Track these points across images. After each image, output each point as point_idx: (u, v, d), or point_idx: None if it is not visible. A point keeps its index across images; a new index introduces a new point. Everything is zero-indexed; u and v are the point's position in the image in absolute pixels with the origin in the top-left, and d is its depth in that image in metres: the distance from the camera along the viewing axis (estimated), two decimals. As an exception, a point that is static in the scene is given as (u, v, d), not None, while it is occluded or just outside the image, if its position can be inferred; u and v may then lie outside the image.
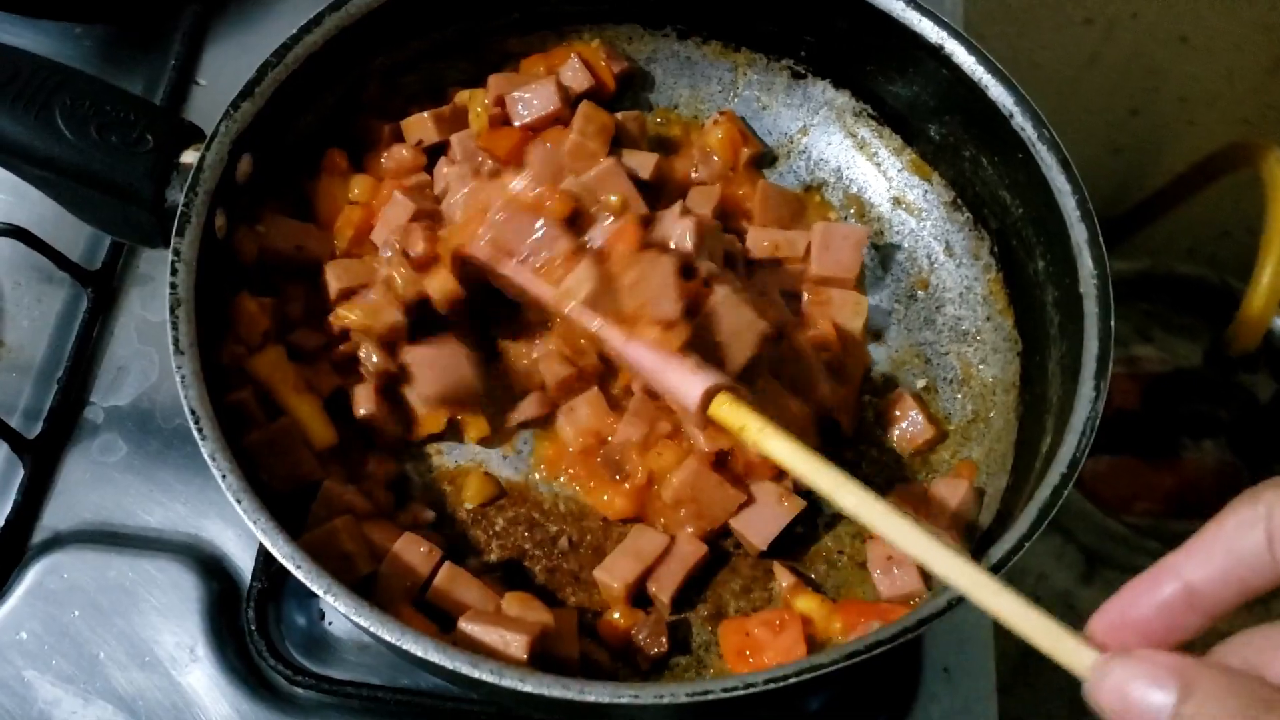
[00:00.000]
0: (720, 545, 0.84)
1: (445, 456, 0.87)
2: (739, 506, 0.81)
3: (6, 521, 0.89)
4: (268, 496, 0.71)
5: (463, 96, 0.93)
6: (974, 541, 0.81)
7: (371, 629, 0.66)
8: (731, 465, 0.82)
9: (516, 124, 0.91)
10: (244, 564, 0.89)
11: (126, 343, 0.97)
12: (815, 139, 0.98)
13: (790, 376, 0.85)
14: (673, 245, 0.82)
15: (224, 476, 0.69)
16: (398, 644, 0.65)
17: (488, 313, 0.88)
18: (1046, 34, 1.81)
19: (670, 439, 0.84)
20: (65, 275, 0.97)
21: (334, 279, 0.85)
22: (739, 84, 0.99)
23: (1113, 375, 0.74)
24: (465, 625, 0.72)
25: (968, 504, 0.82)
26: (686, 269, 0.80)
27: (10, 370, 0.96)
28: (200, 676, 0.84)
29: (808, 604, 0.79)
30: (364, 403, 0.83)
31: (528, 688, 0.64)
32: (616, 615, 0.80)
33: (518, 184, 0.83)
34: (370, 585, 0.77)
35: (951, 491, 0.82)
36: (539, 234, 0.80)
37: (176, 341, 0.73)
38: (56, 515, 0.90)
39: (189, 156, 0.79)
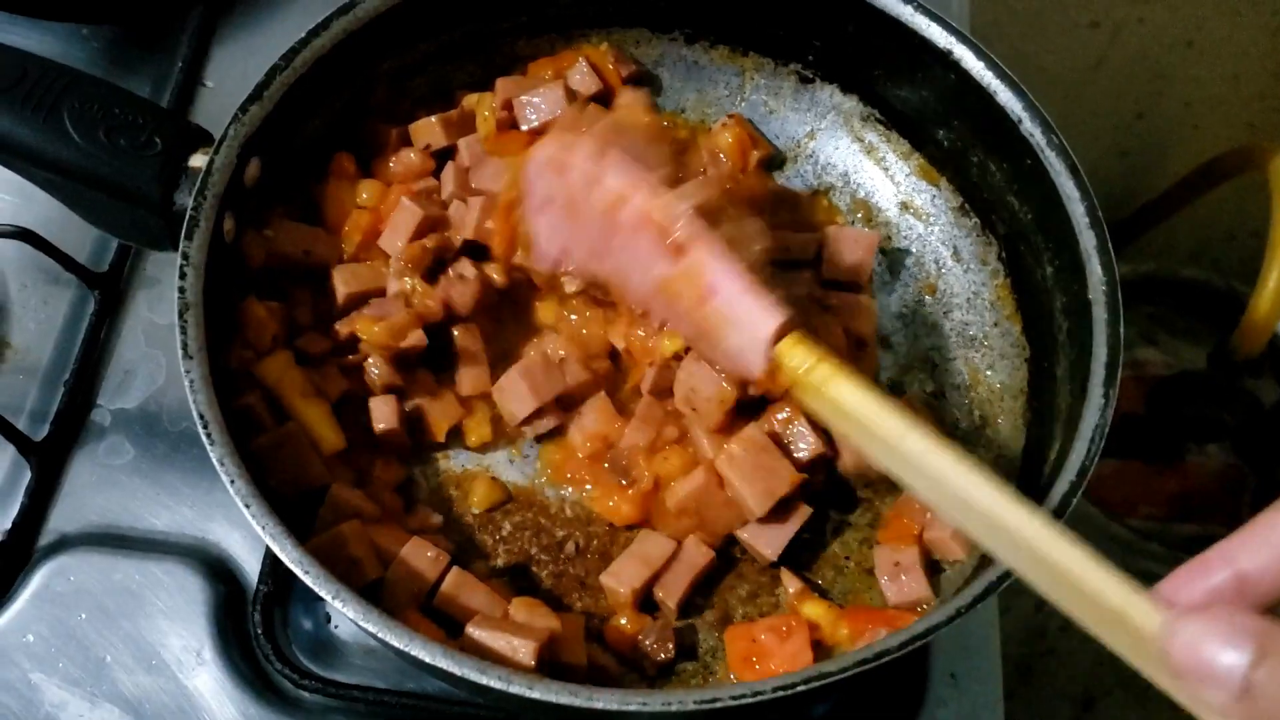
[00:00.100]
0: (728, 551, 0.83)
1: (452, 461, 0.87)
2: (743, 520, 0.81)
3: (13, 524, 0.89)
4: (275, 501, 0.71)
5: (470, 100, 0.93)
6: (981, 549, 0.81)
7: (380, 635, 0.66)
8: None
9: (524, 128, 0.91)
10: (250, 567, 0.89)
11: (133, 345, 0.97)
12: (823, 143, 0.98)
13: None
14: None
15: (232, 481, 0.69)
16: (406, 650, 0.65)
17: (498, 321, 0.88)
18: (1052, 38, 1.81)
19: (677, 444, 0.84)
20: (72, 277, 0.97)
21: (342, 284, 0.85)
22: (746, 88, 0.99)
23: (1117, 380, 0.74)
24: (473, 631, 0.72)
25: (975, 510, 0.81)
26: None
27: (17, 372, 0.96)
28: (206, 680, 0.84)
29: (815, 610, 0.79)
30: (384, 418, 0.83)
31: (535, 694, 0.64)
32: (623, 621, 0.80)
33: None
34: (377, 590, 0.77)
35: (959, 497, 0.82)
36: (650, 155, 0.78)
37: (185, 346, 0.73)
38: (63, 518, 0.90)
39: (197, 160, 0.79)
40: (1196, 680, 0.46)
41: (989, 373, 0.89)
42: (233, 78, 1.09)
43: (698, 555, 0.81)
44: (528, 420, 0.86)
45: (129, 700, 0.84)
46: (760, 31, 0.96)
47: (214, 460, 0.70)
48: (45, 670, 0.84)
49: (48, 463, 0.91)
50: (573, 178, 0.75)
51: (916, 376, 0.91)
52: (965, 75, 0.84)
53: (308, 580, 0.67)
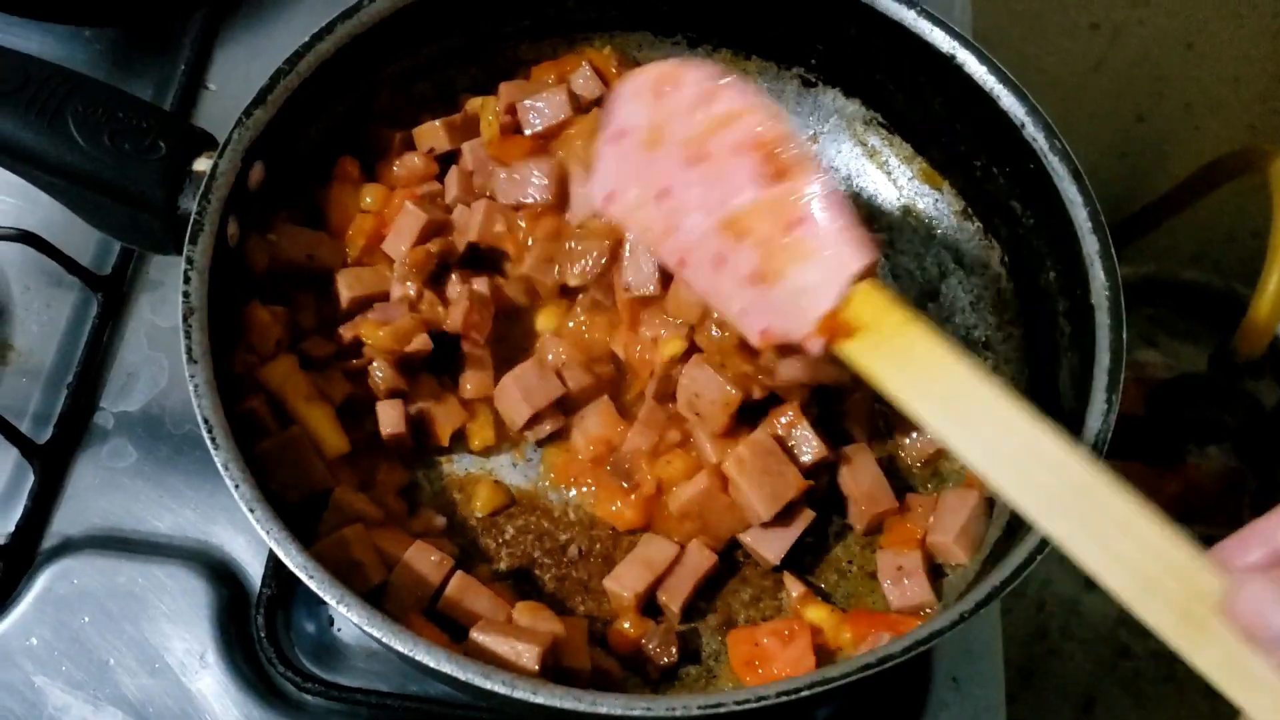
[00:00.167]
0: (730, 555, 0.84)
1: (455, 464, 0.87)
2: (746, 524, 0.81)
3: (17, 527, 0.89)
4: (278, 505, 0.71)
5: (474, 104, 0.93)
6: (984, 552, 0.81)
7: (384, 640, 0.66)
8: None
9: (528, 132, 0.91)
10: (253, 570, 0.89)
11: (136, 348, 0.97)
12: (825, 147, 0.98)
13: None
14: None
15: (237, 486, 0.69)
16: (410, 655, 0.65)
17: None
18: (1053, 39, 1.81)
19: (680, 448, 0.84)
20: (75, 280, 0.97)
21: (345, 288, 0.85)
22: (749, 92, 0.99)
23: (1118, 382, 0.74)
24: (477, 635, 0.73)
25: (978, 514, 0.82)
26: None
27: (20, 375, 0.96)
28: (210, 683, 0.85)
29: (818, 614, 0.79)
30: (391, 422, 0.83)
31: (540, 699, 0.64)
32: (626, 625, 0.80)
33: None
34: (381, 594, 0.77)
35: (961, 501, 0.82)
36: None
37: (190, 350, 0.73)
38: (66, 521, 0.90)
39: (201, 164, 0.79)
40: (1260, 640, 0.46)
41: (991, 377, 0.89)
42: (235, 80, 1.09)
43: (700, 559, 0.81)
44: (528, 425, 0.86)
45: (132, 703, 0.84)
46: (763, 35, 0.96)
47: (218, 465, 0.70)
48: (48, 673, 0.85)
49: (51, 466, 0.91)
50: (682, 95, 0.75)
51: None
52: (968, 80, 0.84)
53: (312, 585, 0.67)
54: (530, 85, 0.94)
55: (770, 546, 0.81)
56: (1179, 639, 0.51)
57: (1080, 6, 1.78)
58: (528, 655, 0.71)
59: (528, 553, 0.84)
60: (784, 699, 0.64)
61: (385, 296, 0.86)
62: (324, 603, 0.70)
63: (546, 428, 0.86)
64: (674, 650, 0.79)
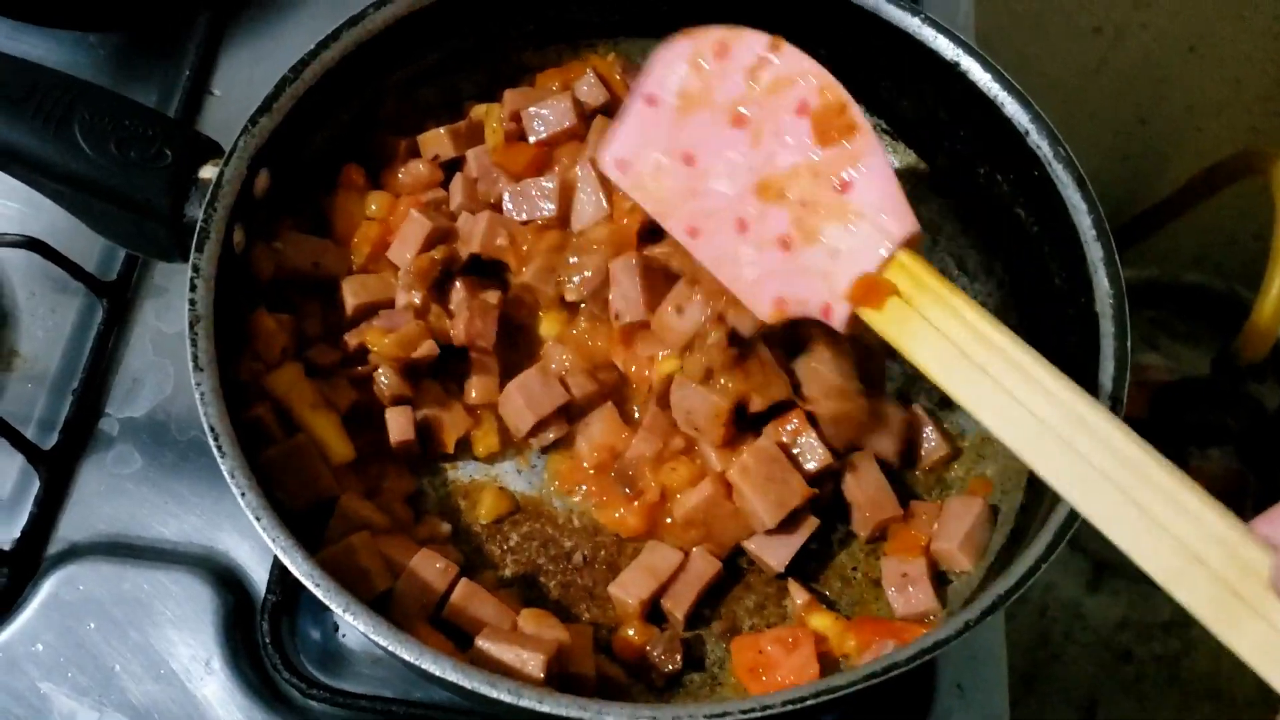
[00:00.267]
0: (735, 562, 0.84)
1: (460, 471, 0.87)
2: (751, 531, 0.81)
3: (22, 533, 0.89)
4: (284, 512, 0.71)
5: (479, 111, 0.94)
6: (988, 559, 0.81)
7: (390, 648, 0.66)
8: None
9: (532, 139, 0.91)
10: (258, 576, 0.89)
11: (141, 354, 0.97)
12: (829, 153, 0.98)
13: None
14: None
15: (243, 494, 0.69)
16: (416, 663, 0.65)
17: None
18: (1055, 42, 1.81)
19: (684, 455, 0.84)
20: (80, 286, 0.97)
21: (351, 295, 0.85)
22: (753, 98, 0.99)
23: (1121, 385, 0.74)
24: (482, 643, 0.73)
25: (982, 521, 0.82)
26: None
27: (25, 380, 0.96)
28: (215, 689, 0.85)
29: (822, 622, 0.79)
30: (400, 430, 0.83)
31: (545, 708, 0.65)
32: (631, 632, 0.80)
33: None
34: (387, 601, 0.77)
35: (966, 508, 0.82)
36: None
37: (196, 358, 0.73)
38: (72, 527, 0.90)
39: (207, 172, 0.79)
40: None
41: (995, 383, 0.89)
42: (240, 86, 1.09)
43: (705, 566, 0.81)
44: (533, 432, 0.86)
45: (138, 709, 0.84)
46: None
47: (225, 473, 0.70)
48: (54, 680, 0.85)
49: (56, 472, 0.91)
50: (734, 60, 0.76)
51: (923, 387, 0.91)
52: (972, 87, 0.85)
53: (319, 593, 0.67)
54: (535, 92, 0.94)
55: (775, 554, 0.81)
56: (1218, 619, 0.50)
57: (1082, 9, 1.78)
58: (533, 663, 0.71)
59: (532, 559, 0.84)
60: (789, 708, 0.64)
61: (390, 304, 0.86)
62: (329, 609, 0.71)
63: (550, 435, 0.86)
64: (678, 657, 0.79)
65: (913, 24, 0.86)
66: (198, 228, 0.76)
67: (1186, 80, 1.85)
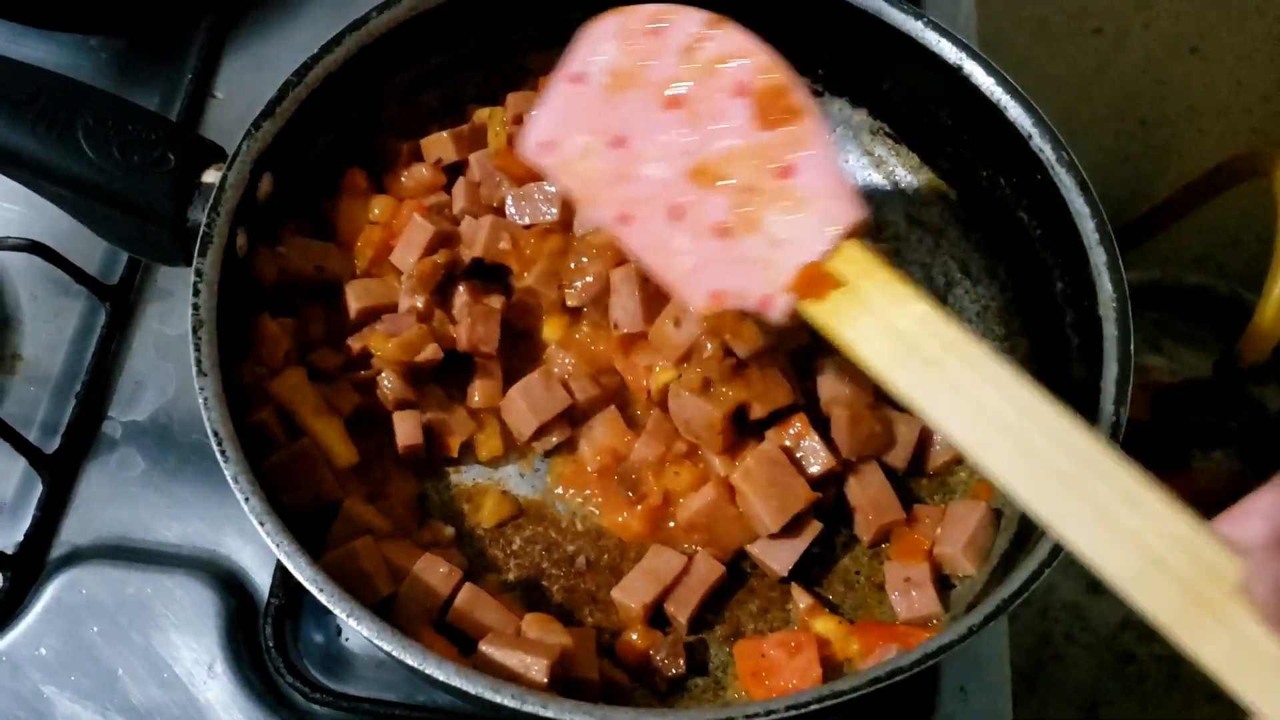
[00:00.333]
0: (738, 566, 0.84)
1: (463, 475, 0.87)
2: (754, 535, 0.81)
3: (25, 537, 0.89)
4: (287, 516, 0.71)
5: (481, 115, 0.94)
6: (992, 563, 0.81)
7: (394, 653, 0.66)
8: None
9: (535, 142, 0.91)
10: (261, 580, 0.89)
11: (144, 357, 0.97)
12: (831, 156, 0.98)
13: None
14: None
15: (247, 499, 0.69)
16: (420, 668, 0.65)
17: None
18: (1056, 44, 1.81)
19: (687, 459, 0.84)
20: (83, 289, 0.97)
21: (354, 299, 0.85)
22: (756, 101, 0.99)
23: (1123, 387, 0.74)
24: (486, 648, 0.73)
25: (985, 525, 0.82)
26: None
27: (28, 384, 0.96)
28: (218, 693, 0.85)
29: (825, 626, 0.79)
30: (408, 434, 0.83)
31: (549, 713, 0.65)
32: (634, 636, 0.80)
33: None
34: (390, 605, 0.77)
35: (969, 512, 0.82)
36: None
37: (199, 363, 0.73)
38: (75, 530, 0.90)
39: (210, 176, 0.79)
40: None
41: (998, 387, 0.89)
42: (242, 89, 1.09)
43: (708, 570, 0.81)
44: (535, 436, 0.86)
45: (141, 713, 0.84)
46: (770, 45, 0.96)
47: (228, 478, 0.70)
48: (57, 683, 0.85)
49: (59, 475, 0.91)
50: (668, 37, 0.71)
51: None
52: (975, 90, 0.85)
53: (322, 598, 0.67)
54: (537, 95, 0.93)
55: (778, 558, 0.81)
56: (1183, 627, 0.47)
57: (1083, 11, 1.78)
58: (537, 668, 0.71)
59: (536, 563, 0.84)
60: (793, 712, 0.64)
61: (394, 308, 0.86)
62: (332, 613, 0.71)
63: (553, 439, 0.86)
64: (682, 661, 0.79)
65: (915, 27, 0.86)
66: (201, 232, 0.76)
67: (1188, 81, 1.85)
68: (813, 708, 0.64)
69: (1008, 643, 0.87)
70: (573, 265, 0.86)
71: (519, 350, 0.89)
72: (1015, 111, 0.83)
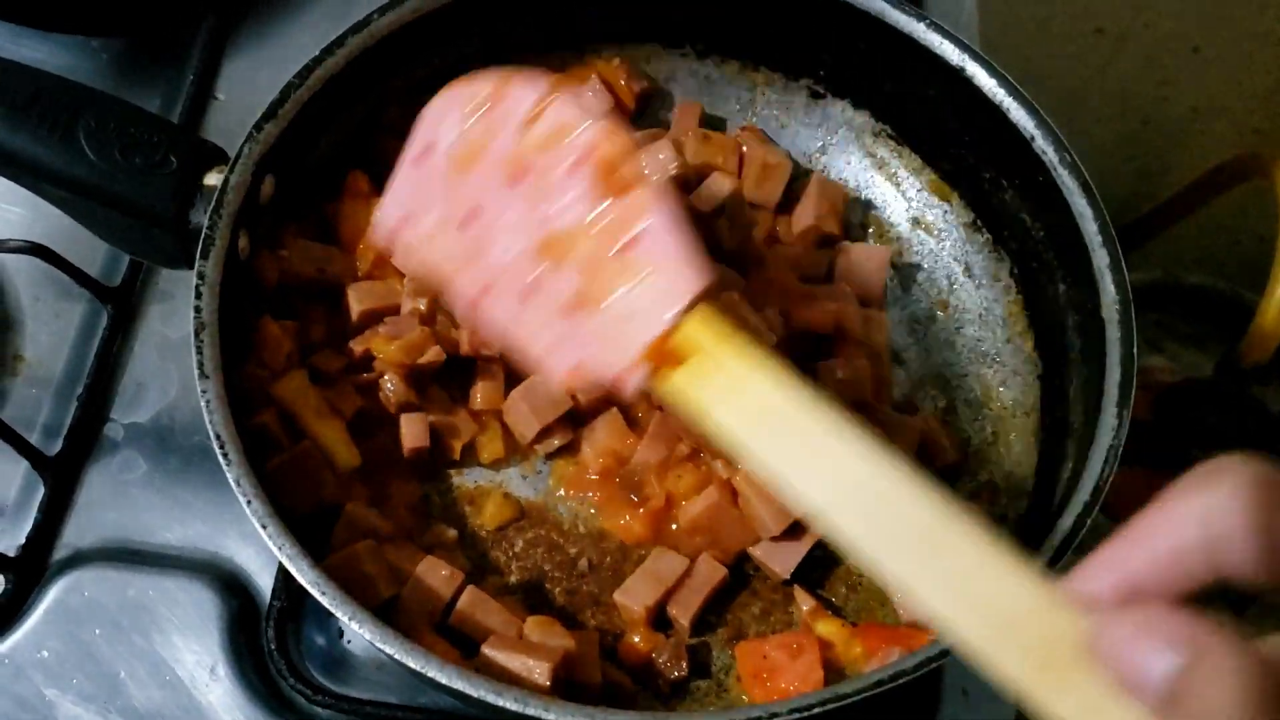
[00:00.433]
0: (740, 568, 0.84)
1: (465, 477, 0.87)
2: (756, 537, 0.81)
3: (27, 539, 0.89)
4: (289, 519, 0.71)
5: (483, 117, 0.93)
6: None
7: (396, 656, 0.66)
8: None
9: (537, 144, 0.91)
10: (263, 582, 0.89)
11: (146, 359, 0.97)
12: (834, 158, 0.98)
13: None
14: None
15: (249, 502, 0.69)
16: (422, 671, 0.65)
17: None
18: (1058, 43, 1.81)
19: (689, 461, 0.84)
20: (85, 291, 0.97)
21: (356, 302, 0.85)
22: (757, 103, 0.99)
23: (1124, 387, 0.74)
24: (488, 651, 0.73)
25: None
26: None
27: (30, 385, 0.96)
28: (220, 695, 0.85)
29: (828, 628, 0.79)
30: (415, 437, 0.83)
31: (552, 716, 0.64)
32: (637, 638, 0.80)
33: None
34: (392, 607, 0.77)
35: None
36: None
37: (201, 365, 0.73)
38: (77, 533, 0.90)
39: (212, 178, 0.79)
40: (1128, 684, 0.43)
41: (1001, 389, 0.90)
42: (244, 91, 1.09)
43: (710, 573, 0.81)
44: (538, 439, 0.86)
45: (142, 716, 0.84)
46: (772, 46, 0.96)
47: (230, 480, 0.70)
48: (59, 686, 0.85)
49: (61, 478, 0.91)
50: (507, 110, 0.69)
51: (929, 392, 0.91)
52: (977, 92, 0.84)
53: (324, 601, 0.67)
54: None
55: (780, 560, 0.81)
56: (1035, 690, 0.46)
57: (1084, 11, 1.78)
58: (539, 671, 0.71)
59: (538, 566, 0.84)
60: (796, 715, 0.64)
61: (396, 310, 0.86)
62: (334, 616, 0.71)
63: (555, 441, 0.86)
64: (684, 664, 0.79)
65: (918, 29, 0.85)
66: (203, 234, 0.76)
67: (1190, 82, 1.85)
68: (816, 710, 0.64)
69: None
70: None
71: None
72: (1018, 113, 0.83)
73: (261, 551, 0.90)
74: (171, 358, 0.97)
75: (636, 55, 0.98)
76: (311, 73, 0.82)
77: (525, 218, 0.68)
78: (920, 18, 0.85)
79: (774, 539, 0.81)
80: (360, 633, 0.67)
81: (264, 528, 0.69)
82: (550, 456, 0.87)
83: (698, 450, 0.84)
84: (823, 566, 0.84)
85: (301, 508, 0.78)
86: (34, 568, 0.89)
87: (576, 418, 0.87)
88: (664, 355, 0.63)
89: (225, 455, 0.71)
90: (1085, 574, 0.45)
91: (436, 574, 0.77)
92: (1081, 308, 0.81)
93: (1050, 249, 0.85)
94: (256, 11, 1.13)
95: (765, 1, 0.92)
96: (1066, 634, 0.45)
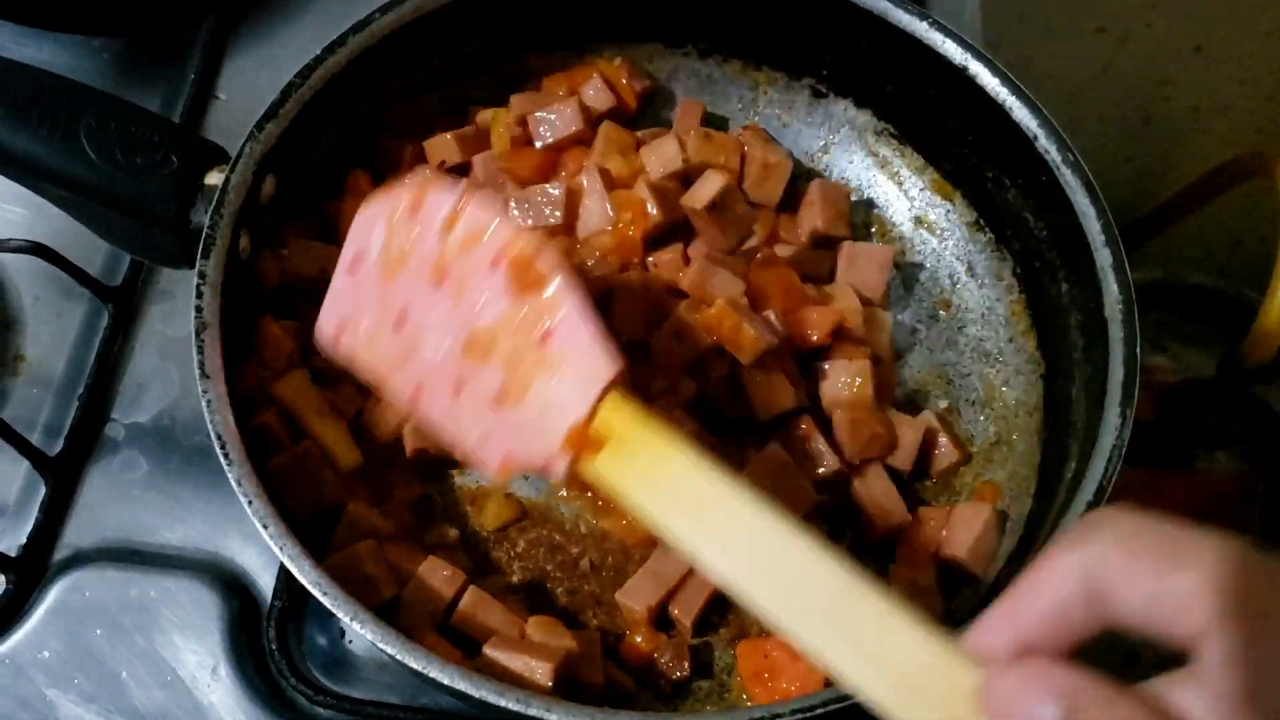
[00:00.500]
0: (743, 568, 0.83)
1: (467, 477, 0.87)
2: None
3: (28, 539, 0.89)
4: (290, 519, 0.71)
5: (485, 117, 0.93)
6: (997, 566, 0.81)
7: (398, 656, 0.66)
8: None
9: (538, 144, 0.91)
10: (264, 582, 0.89)
11: (147, 359, 0.97)
12: (836, 157, 0.98)
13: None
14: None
15: (250, 502, 0.69)
16: (424, 671, 0.65)
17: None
18: (1059, 43, 1.80)
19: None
20: (86, 291, 0.97)
21: (357, 301, 0.85)
22: (760, 102, 0.99)
23: (1125, 386, 0.73)
24: (490, 652, 0.73)
25: (991, 527, 0.81)
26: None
27: (31, 385, 0.96)
28: (221, 695, 0.85)
29: (830, 629, 0.79)
30: (419, 439, 0.83)
31: (554, 716, 0.64)
32: (639, 639, 0.80)
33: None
34: (394, 607, 0.77)
35: (974, 515, 0.82)
36: None
37: (202, 365, 0.73)
38: (78, 533, 0.90)
39: (213, 178, 0.79)
40: None
41: (1004, 388, 0.89)
42: (245, 91, 1.09)
43: (713, 573, 0.81)
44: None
45: (144, 716, 0.84)
46: (774, 46, 0.96)
47: (232, 480, 0.70)
48: (61, 686, 0.85)
49: (62, 477, 0.91)
50: (427, 217, 0.72)
51: (931, 391, 0.91)
52: (980, 91, 0.84)
53: (326, 601, 0.67)
54: (541, 97, 0.94)
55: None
56: None
57: (1086, 10, 1.77)
58: (541, 671, 0.71)
59: (540, 566, 0.84)
60: (799, 716, 0.64)
61: (397, 310, 0.86)
62: (336, 616, 0.70)
63: None
64: (686, 664, 0.79)
65: (920, 28, 0.85)
66: (204, 234, 0.76)
67: (1192, 81, 1.84)
68: (818, 711, 0.64)
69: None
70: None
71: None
72: (1020, 112, 0.83)
73: (263, 551, 0.90)
74: (172, 357, 0.97)
75: (638, 54, 0.97)
76: (313, 72, 0.82)
77: (450, 317, 0.71)
78: (923, 17, 0.85)
79: None
80: (362, 633, 0.66)
81: (265, 528, 0.69)
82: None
83: (699, 450, 0.84)
84: (825, 566, 0.84)
85: (303, 508, 0.78)
86: (35, 568, 0.89)
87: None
88: (584, 442, 0.65)
89: (226, 455, 0.70)
90: (981, 631, 0.47)
91: (438, 574, 0.77)
92: (1084, 307, 0.80)
93: (1053, 248, 0.85)
94: (257, 11, 1.14)
95: (767, 1, 0.92)
96: (964, 689, 0.47)
